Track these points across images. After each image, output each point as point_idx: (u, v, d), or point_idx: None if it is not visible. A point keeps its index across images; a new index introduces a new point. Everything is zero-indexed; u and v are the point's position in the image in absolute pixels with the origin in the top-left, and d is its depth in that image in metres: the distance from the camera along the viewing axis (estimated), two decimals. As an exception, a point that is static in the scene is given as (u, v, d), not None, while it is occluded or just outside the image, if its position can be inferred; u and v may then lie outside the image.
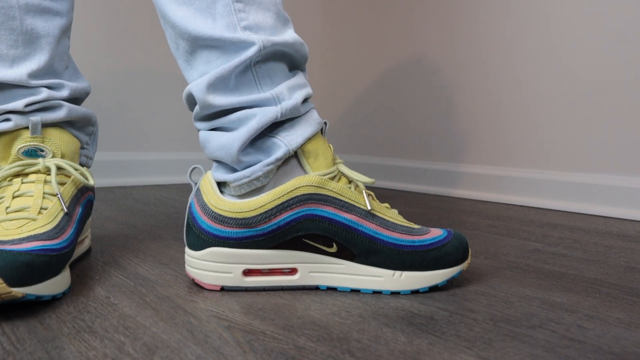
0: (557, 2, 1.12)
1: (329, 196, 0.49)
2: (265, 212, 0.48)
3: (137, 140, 1.37)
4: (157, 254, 0.63)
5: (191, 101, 0.53)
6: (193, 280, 0.52)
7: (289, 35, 0.51)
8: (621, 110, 1.04)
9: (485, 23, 1.25)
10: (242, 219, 0.48)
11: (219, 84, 0.49)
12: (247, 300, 0.47)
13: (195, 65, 0.51)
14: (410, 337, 0.40)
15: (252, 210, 0.48)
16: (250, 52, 0.48)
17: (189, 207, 0.51)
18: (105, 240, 0.70)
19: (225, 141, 0.50)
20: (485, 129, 1.26)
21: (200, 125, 0.53)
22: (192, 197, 0.51)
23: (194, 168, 0.53)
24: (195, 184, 0.52)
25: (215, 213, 0.49)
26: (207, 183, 0.51)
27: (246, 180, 0.49)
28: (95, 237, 0.71)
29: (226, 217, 0.49)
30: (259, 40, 0.49)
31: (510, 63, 1.21)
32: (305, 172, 0.51)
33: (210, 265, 0.49)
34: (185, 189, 1.31)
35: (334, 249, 0.50)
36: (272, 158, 0.49)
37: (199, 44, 0.50)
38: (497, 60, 1.23)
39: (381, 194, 1.30)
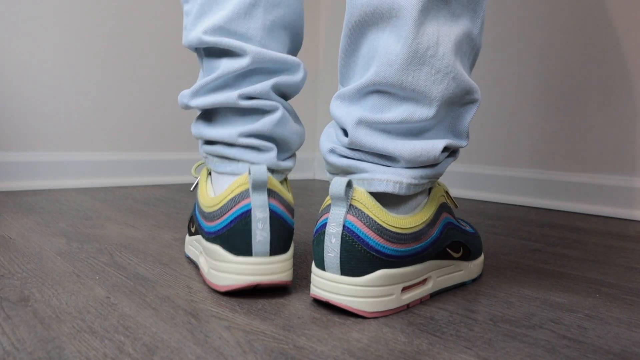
0: (555, 2, 1.12)
1: (447, 204, 0.52)
2: (428, 223, 0.47)
3: (137, 140, 1.37)
4: (157, 254, 0.63)
5: None
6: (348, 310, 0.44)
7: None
8: (621, 110, 1.04)
9: (485, 23, 1.25)
10: (414, 232, 0.45)
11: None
12: (247, 300, 0.47)
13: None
14: (410, 337, 0.40)
15: (421, 224, 0.46)
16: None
17: (348, 227, 0.43)
18: (105, 240, 0.70)
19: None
20: (485, 129, 1.26)
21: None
22: (344, 215, 0.43)
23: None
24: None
25: (391, 232, 0.44)
26: (366, 197, 0.44)
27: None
28: (95, 237, 0.71)
29: (403, 235, 0.45)
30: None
31: (510, 63, 1.21)
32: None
33: (376, 291, 0.44)
34: (185, 189, 1.31)
35: (459, 254, 0.52)
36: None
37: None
38: (497, 60, 1.23)
39: (381, 194, 1.30)
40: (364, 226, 0.43)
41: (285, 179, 0.54)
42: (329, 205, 0.45)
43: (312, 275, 0.46)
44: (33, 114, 1.20)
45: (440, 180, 1.35)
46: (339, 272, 0.43)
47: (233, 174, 0.52)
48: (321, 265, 0.45)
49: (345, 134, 0.47)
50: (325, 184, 1.56)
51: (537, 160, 1.17)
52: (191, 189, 0.63)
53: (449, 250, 0.51)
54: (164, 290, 0.49)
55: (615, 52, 1.04)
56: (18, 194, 1.10)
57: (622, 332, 0.42)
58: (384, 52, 0.44)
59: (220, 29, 0.51)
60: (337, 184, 0.43)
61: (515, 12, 1.19)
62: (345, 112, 0.46)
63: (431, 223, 0.47)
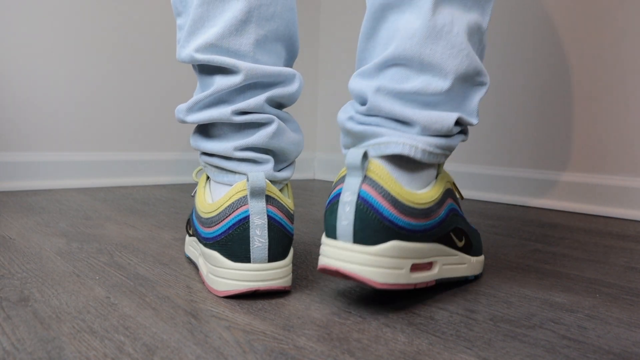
0: (556, 3, 1.12)
1: (453, 191, 0.53)
2: (437, 202, 0.48)
3: (137, 140, 1.37)
4: (157, 254, 0.63)
5: None
6: (354, 278, 0.44)
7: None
8: (621, 110, 1.04)
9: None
10: (425, 209, 0.46)
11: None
12: (247, 300, 0.47)
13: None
14: (410, 337, 0.40)
15: (431, 201, 0.47)
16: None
17: (363, 197, 0.44)
18: (105, 240, 0.70)
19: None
20: (485, 129, 1.26)
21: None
22: (359, 184, 0.44)
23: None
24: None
25: (404, 204, 0.44)
26: (381, 169, 0.45)
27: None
28: (95, 237, 0.71)
29: (415, 209, 0.45)
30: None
31: (509, 63, 1.21)
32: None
33: (387, 262, 0.44)
34: (185, 189, 1.31)
35: (462, 243, 0.52)
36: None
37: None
38: (496, 60, 1.23)
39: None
40: (379, 196, 0.44)
41: (287, 185, 0.54)
42: (344, 176, 0.46)
43: (322, 247, 0.46)
44: (33, 114, 1.20)
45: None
46: (352, 240, 0.43)
47: (230, 184, 0.52)
48: (333, 234, 0.45)
49: (363, 105, 0.50)
50: (326, 184, 1.56)
51: (537, 160, 1.17)
52: (192, 194, 0.63)
53: (453, 236, 0.51)
54: (164, 290, 0.49)
55: (617, 52, 1.04)
56: (18, 194, 1.10)
57: (622, 332, 0.42)
58: (404, 28, 0.47)
59: (212, 47, 0.51)
60: (354, 154, 0.44)
61: (516, 13, 1.19)
62: (365, 84, 0.49)
63: (439, 202, 0.48)
